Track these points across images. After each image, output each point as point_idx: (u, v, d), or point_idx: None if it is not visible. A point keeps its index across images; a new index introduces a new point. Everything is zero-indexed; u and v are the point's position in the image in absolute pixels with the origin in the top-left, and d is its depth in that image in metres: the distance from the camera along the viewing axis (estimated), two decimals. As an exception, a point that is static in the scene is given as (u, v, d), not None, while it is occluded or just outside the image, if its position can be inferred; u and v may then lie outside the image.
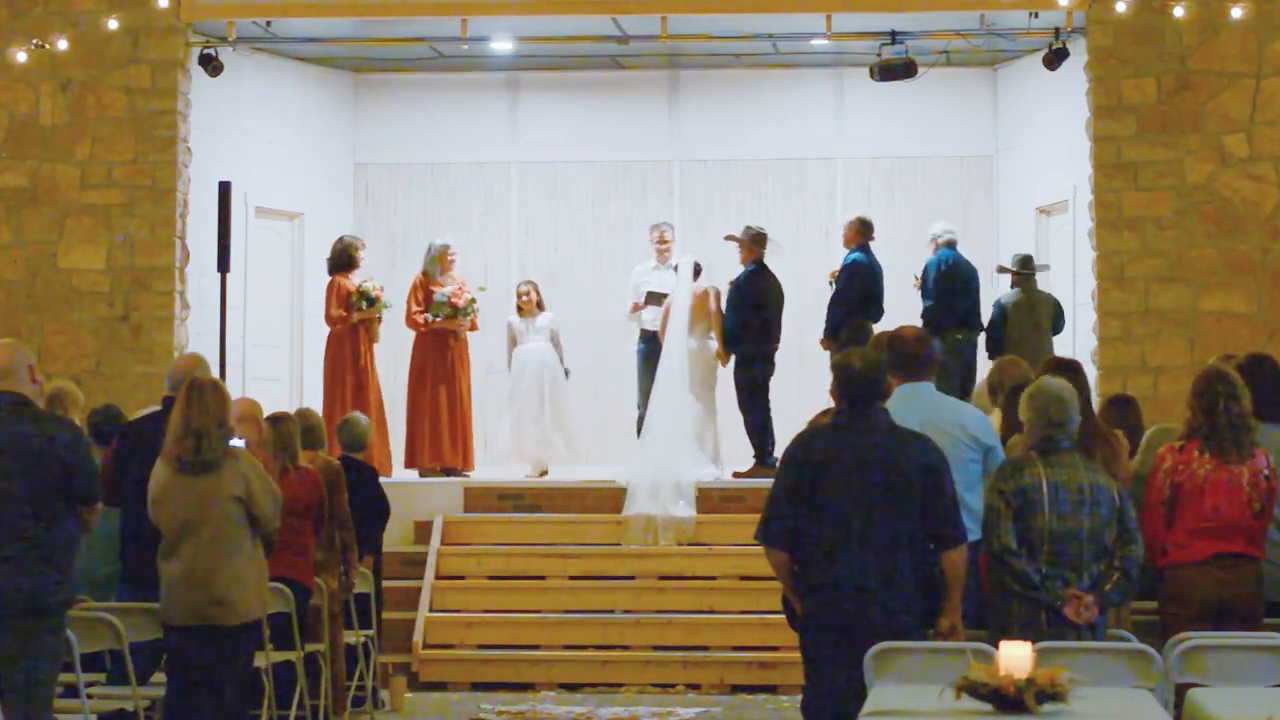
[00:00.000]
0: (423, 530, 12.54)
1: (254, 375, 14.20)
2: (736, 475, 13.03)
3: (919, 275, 13.16)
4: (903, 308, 12.65)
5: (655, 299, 13.53)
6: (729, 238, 13.38)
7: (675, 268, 13.54)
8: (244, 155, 14.31)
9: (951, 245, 13.10)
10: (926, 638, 6.27)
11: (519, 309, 13.84)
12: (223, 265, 12.75)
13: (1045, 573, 6.30)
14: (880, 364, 6.51)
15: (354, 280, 13.38)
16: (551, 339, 13.82)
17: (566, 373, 13.86)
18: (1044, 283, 13.45)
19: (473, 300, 13.50)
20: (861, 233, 13.02)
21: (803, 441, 6.53)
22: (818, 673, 6.31)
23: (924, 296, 12.96)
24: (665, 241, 13.83)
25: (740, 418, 13.17)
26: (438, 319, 13.36)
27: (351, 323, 13.27)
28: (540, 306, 13.82)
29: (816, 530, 6.28)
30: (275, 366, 14.79)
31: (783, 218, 15.33)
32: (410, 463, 13.46)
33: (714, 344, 13.25)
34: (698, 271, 13.47)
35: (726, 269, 13.61)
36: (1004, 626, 6.28)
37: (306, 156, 15.27)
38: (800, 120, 15.58)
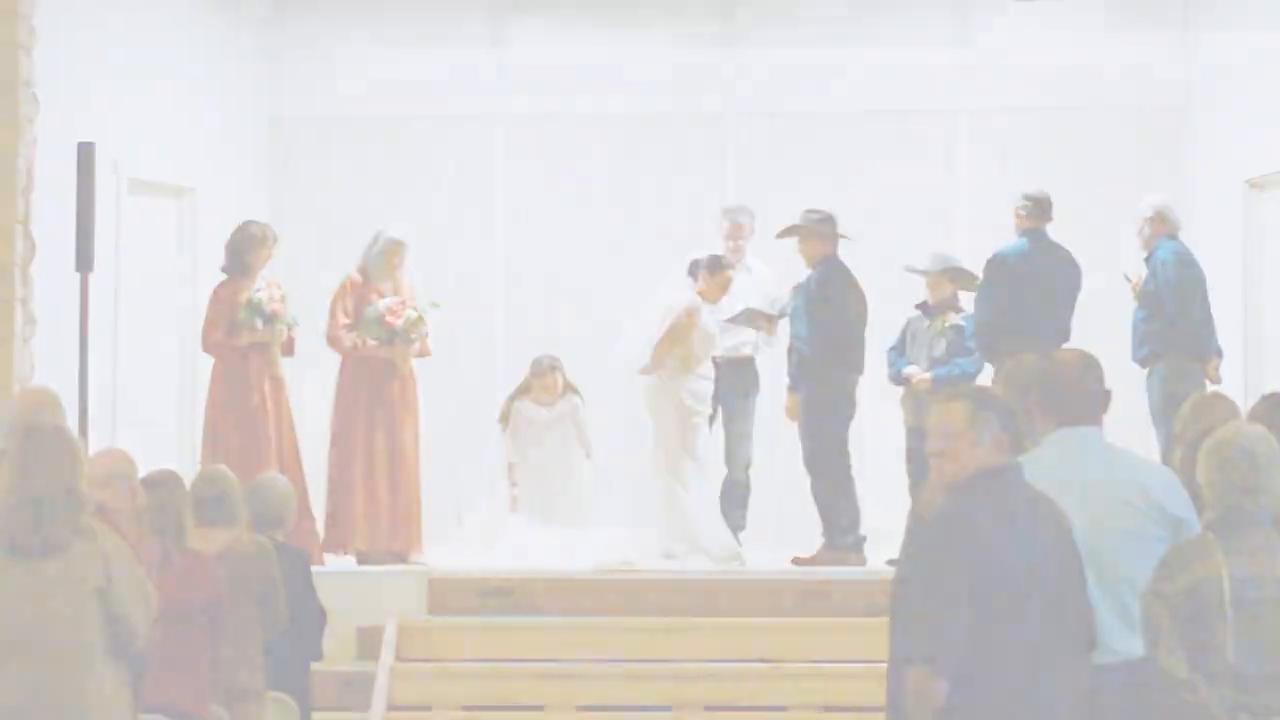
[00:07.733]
0: (369, 640, 12.48)
1: (129, 419, 14.26)
2: (797, 561, 13.16)
3: (1135, 277, 13.16)
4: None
5: (752, 318, 13.73)
6: (785, 233, 13.34)
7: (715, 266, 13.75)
8: (113, 108, 14.31)
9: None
10: None
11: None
12: (84, 262, 12.74)
13: (1234, 702, 6.25)
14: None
15: (260, 285, 13.28)
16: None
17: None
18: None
19: (418, 320, 13.42)
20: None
21: (968, 506, 6.33)
22: None
23: (1162, 307, 12.92)
24: (740, 236, 14.00)
25: (806, 479, 13.29)
26: (369, 342, 13.33)
27: (239, 347, 13.21)
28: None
29: (989, 642, 6.14)
30: (159, 405, 14.91)
31: (880, 190, 15.28)
32: (330, 544, 13.44)
33: (697, 384, 13.43)
34: (695, 269, 13.64)
35: (792, 267, 13.65)
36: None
37: (201, 110, 15.36)
38: (908, 56, 15.68)
